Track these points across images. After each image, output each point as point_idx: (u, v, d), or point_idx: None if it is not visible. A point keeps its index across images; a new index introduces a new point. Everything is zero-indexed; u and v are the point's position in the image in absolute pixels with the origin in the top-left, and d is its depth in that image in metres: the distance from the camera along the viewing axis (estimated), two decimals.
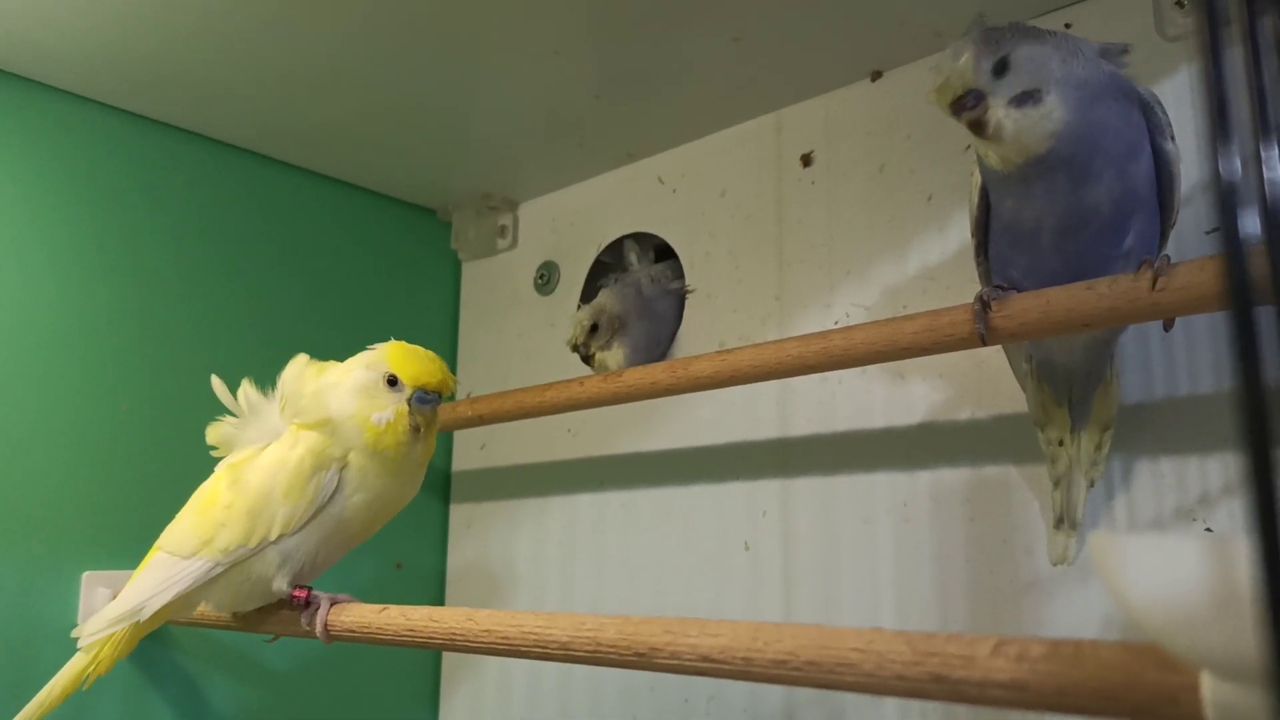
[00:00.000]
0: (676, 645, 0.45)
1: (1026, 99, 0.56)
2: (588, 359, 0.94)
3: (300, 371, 0.70)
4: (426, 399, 0.69)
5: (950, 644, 0.37)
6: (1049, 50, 0.57)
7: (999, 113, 0.56)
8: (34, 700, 0.67)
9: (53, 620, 0.82)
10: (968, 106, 0.57)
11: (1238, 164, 0.21)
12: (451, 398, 0.89)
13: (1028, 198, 0.59)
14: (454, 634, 0.55)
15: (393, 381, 0.68)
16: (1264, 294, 0.24)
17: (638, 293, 0.95)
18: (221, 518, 0.65)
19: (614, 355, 0.93)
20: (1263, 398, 0.26)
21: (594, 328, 0.93)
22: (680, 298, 0.97)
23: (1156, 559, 0.29)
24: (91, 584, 0.84)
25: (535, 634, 0.51)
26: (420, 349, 0.70)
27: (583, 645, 0.48)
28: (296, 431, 0.67)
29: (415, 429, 0.68)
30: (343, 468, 0.67)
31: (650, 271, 0.98)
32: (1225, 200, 0.21)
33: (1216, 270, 0.53)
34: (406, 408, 0.68)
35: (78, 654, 0.68)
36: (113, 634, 0.66)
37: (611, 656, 0.47)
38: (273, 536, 0.65)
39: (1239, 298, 0.21)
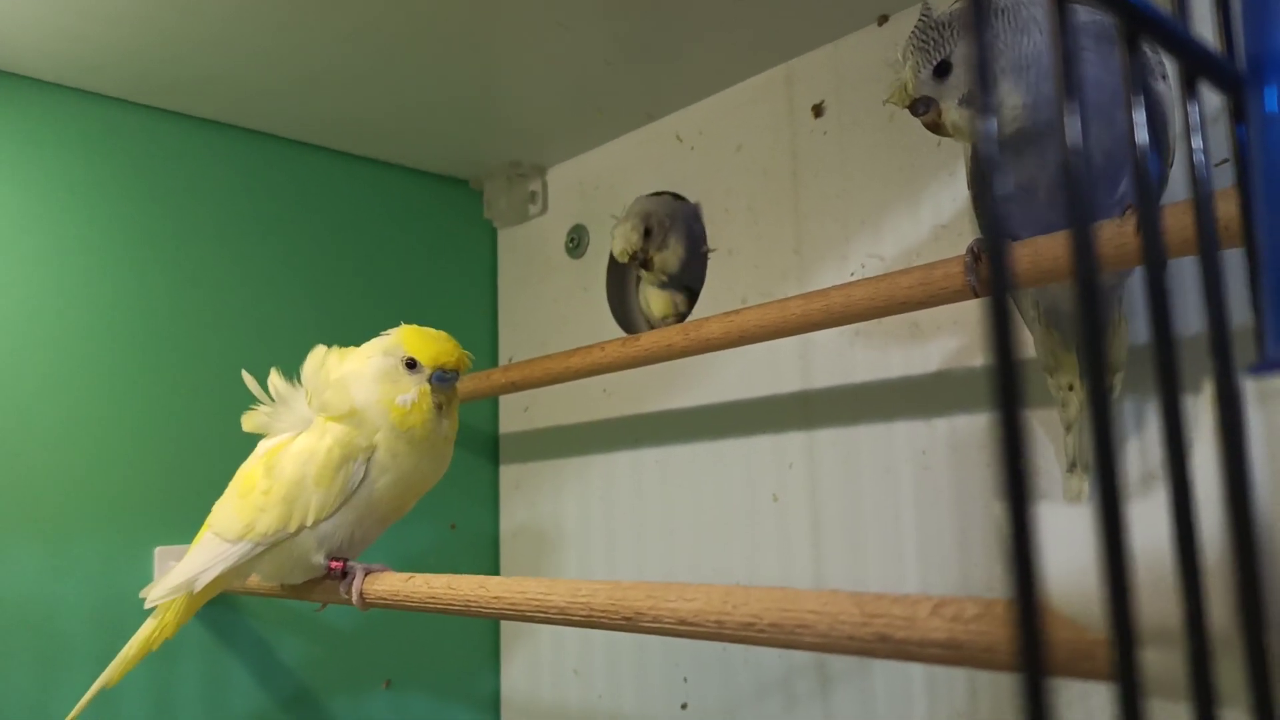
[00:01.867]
0: (658, 609, 0.47)
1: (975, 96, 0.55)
2: (646, 263, 0.96)
3: (320, 363, 0.73)
4: (445, 378, 0.72)
5: (895, 605, 0.39)
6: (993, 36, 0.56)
7: (952, 115, 0.57)
8: (115, 660, 0.74)
9: (131, 591, 0.89)
10: (920, 113, 0.58)
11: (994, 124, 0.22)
12: (465, 373, 0.93)
13: (1019, 161, 0.59)
14: (469, 600, 0.59)
15: (411, 364, 0.71)
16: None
17: (669, 203, 0.99)
18: (260, 503, 0.70)
19: (673, 253, 0.95)
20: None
21: (647, 232, 0.95)
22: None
23: (1050, 531, 0.30)
24: (163, 557, 0.91)
25: (536, 600, 0.54)
26: (434, 330, 0.73)
27: (578, 610, 0.51)
28: (324, 422, 0.71)
29: (438, 406, 0.72)
30: (370, 456, 0.71)
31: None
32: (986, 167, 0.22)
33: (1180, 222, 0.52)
34: (428, 387, 0.71)
35: (146, 621, 0.75)
36: (174, 602, 0.73)
37: (603, 620, 0.50)
38: (309, 523, 0.69)
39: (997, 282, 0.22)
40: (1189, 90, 0.30)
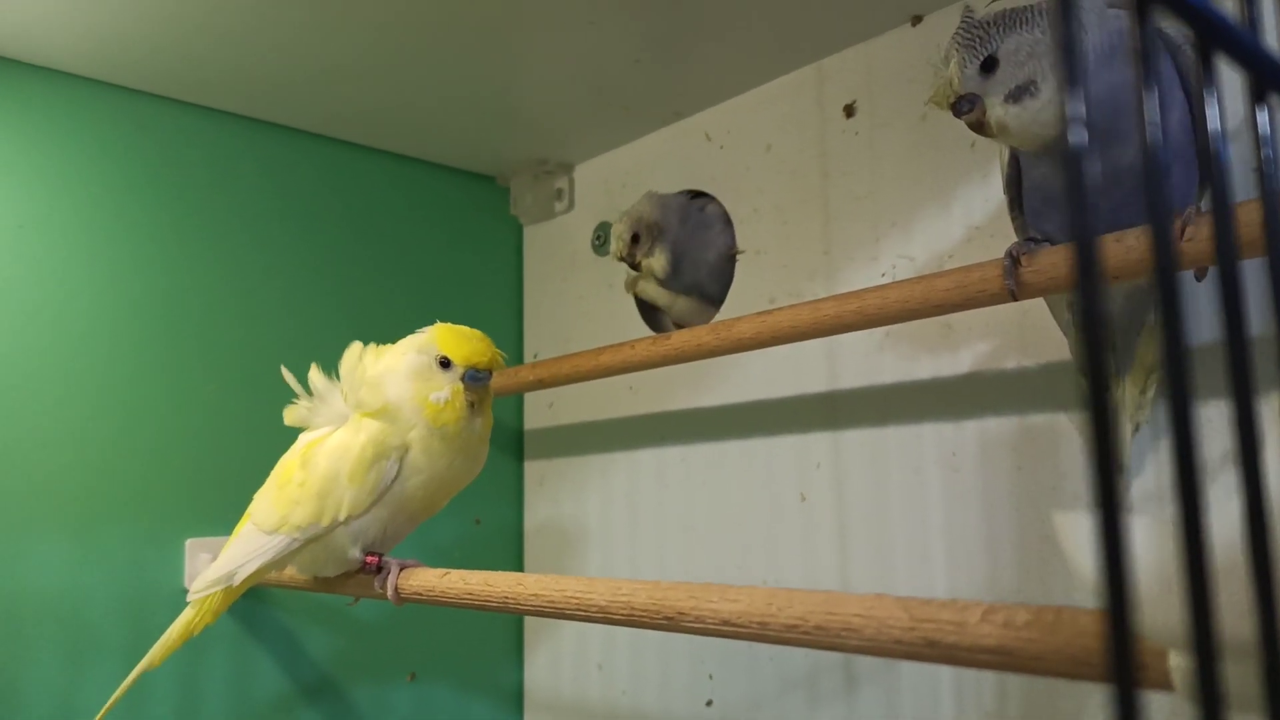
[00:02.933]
0: (700, 609, 0.48)
1: (1023, 92, 0.55)
2: (635, 266, 0.98)
3: (356, 360, 0.74)
4: (478, 377, 0.72)
5: (944, 610, 0.39)
6: (1039, 35, 0.56)
7: (997, 111, 0.56)
8: (155, 646, 0.75)
9: (162, 582, 0.91)
10: (964, 111, 0.57)
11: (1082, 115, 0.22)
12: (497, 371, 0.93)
13: (1059, 166, 0.59)
14: (506, 597, 0.60)
15: (445, 363, 0.72)
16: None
17: (679, 203, 0.99)
18: (296, 496, 0.70)
19: (657, 260, 0.96)
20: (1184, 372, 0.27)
21: (635, 238, 0.96)
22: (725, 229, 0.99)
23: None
24: (194, 550, 0.92)
25: (576, 598, 0.54)
26: (467, 329, 0.74)
27: (619, 609, 0.52)
28: (359, 419, 0.72)
29: (471, 405, 0.72)
30: (403, 454, 0.71)
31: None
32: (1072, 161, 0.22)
33: (1249, 219, 0.52)
34: (461, 386, 0.72)
35: (186, 608, 0.75)
36: (212, 593, 0.73)
37: (644, 619, 0.51)
38: (341, 518, 0.70)
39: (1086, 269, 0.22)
40: (1259, 101, 0.30)
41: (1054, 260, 0.59)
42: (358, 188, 1.10)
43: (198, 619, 0.75)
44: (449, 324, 0.74)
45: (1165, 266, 0.23)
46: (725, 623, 0.46)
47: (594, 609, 0.54)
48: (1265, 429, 0.32)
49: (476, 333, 0.74)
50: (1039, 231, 0.63)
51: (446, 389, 0.71)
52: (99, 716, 0.76)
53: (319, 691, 0.99)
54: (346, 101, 1.00)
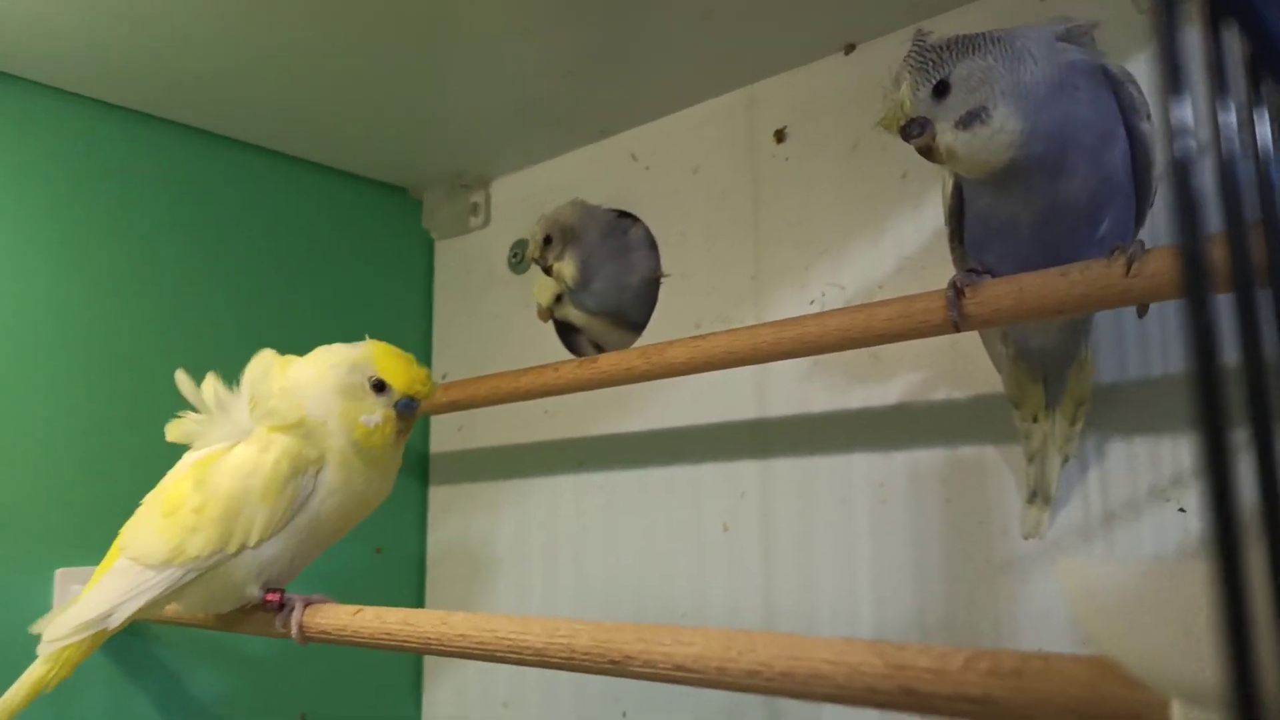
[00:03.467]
0: (650, 654, 0.44)
1: (973, 118, 0.55)
2: (547, 270, 0.95)
3: (266, 369, 0.68)
4: (412, 406, 0.68)
5: (922, 657, 0.37)
6: (991, 62, 0.55)
7: (947, 137, 0.56)
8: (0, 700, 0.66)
9: (28, 618, 0.81)
10: (914, 135, 0.57)
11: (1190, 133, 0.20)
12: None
13: (1003, 196, 0.58)
14: (429, 638, 0.55)
15: (380, 386, 0.67)
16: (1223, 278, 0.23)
17: (605, 218, 0.97)
18: (192, 522, 0.64)
19: (567, 266, 0.94)
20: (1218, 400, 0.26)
21: (547, 239, 0.94)
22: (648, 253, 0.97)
23: (1122, 586, 0.28)
24: (65, 581, 0.84)
25: (510, 640, 0.51)
26: (405, 354, 0.70)
27: (557, 652, 0.48)
28: (266, 433, 0.66)
29: (399, 433, 0.68)
30: (318, 470, 0.66)
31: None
32: (1178, 174, 0.20)
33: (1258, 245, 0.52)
34: (393, 413, 0.68)
35: (37, 661, 0.66)
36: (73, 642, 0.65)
37: (586, 663, 0.47)
38: (251, 542, 0.64)
39: (1194, 283, 0.20)
40: None
41: (998, 292, 0.59)
42: (261, 193, 1.04)
43: (52, 672, 0.65)
44: (385, 344, 0.70)
45: (1243, 281, 0.22)
46: (679, 667, 0.43)
47: (529, 651, 0.50)
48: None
49: (413, 357, 0.70)
50: (979, 263, 0.63)
51: (378, 413, 0.67)
52: None
53: None
54: (254, 102, 0.94)
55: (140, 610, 0.64)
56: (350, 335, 1.07)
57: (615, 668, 0.46)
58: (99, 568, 0.69)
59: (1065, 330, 0.65)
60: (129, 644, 0.87)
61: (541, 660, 0.49)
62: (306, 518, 0.66)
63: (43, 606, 0.82)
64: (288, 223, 1.06)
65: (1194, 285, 0.19)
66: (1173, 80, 0.20)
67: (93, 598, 0.65)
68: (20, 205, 0.86)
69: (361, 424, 0.66)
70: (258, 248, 1.03)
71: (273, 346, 0.73)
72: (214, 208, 1.00)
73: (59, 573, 0.84)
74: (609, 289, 0.96)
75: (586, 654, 0.47)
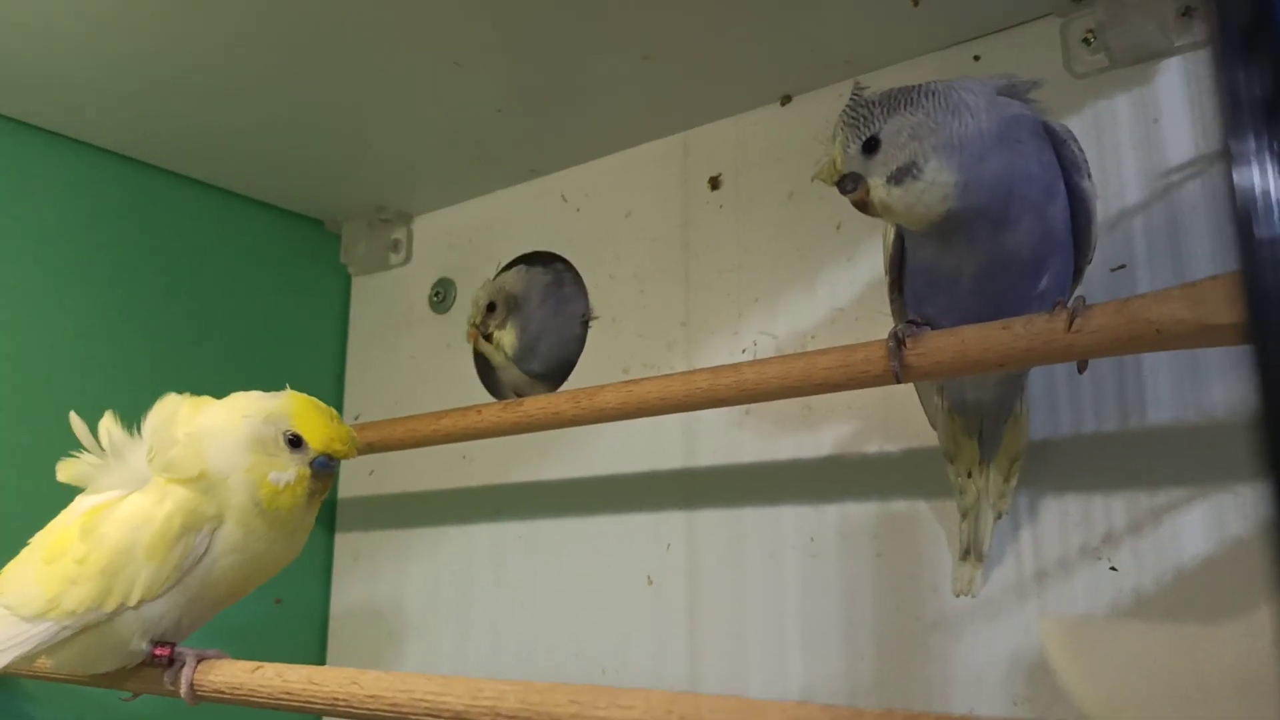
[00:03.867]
0: (585, 718, 0.41)
1: (904, 174, 0.55)
2: (487, 337, 0.93)
3: (170, 416, 0.63)
4: (330, 466, 0.64)
5: None
6: (922, 117, 0.55)
7: (879, 192, 0.56)
8: None
9: None
10: (847, 190, 0.57)
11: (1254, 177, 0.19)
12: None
13: (946, 247, 0.58)
14: (336, 698, 0.51)
15: (296, 442, 0.62)
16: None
17: (544, 279, 0.95)
18: (72, 574, 0.58)
19: (507, 335, 0.92)
20: None
21: (490, 306, 0.93)
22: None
23: (1118, 649, 0.26)
24: None
25: (428, 701, 0.46)
26: (324, 407, 0.65)
27: (479, 715, 0.44)
28: (164, 484, 0.61)
29: (313, 494, 0.63)
30: (215, 529, 0.61)
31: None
32: (1241, 222, 0.19)
33: (1131, 314, 0.52)
34: (308, 471, 0.63)
35: None
36: None
37: None
38: (132, 602, 0.58)
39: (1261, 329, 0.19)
40: None
41: (939, 344, 0.58)
42: (173, 220, 0.98)
43: None
44: (305, 396, 0.65)
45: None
46: None
47: (448, 714, 0.46)
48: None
49: (334, 413, 0.65)
50: (919, 315, 0.62)
51: (291, 471, 0.62)
52: None
53: None
54: (167, 124, 0.89)
55: (9, 665, 0.58)
56: (262, 369, 1.02)
57: None
58: None
59: (1002, 384, 0.64)
60: None
61: None
62: (197, 578, 0.60)
63: None
64: (200, 252, 1.00)
65: (1260, 326, 0.17)
66: (1232, 116, 0.18)
67: None
68: None
69: (270, 482, 0.61)
70: (168, 276, 0.97)
71: (180, 379, 0.68)
72: (121, 233, 0.94)
73: None
74: (552, 350, 0.94)
75: (513, 718, 0.43)
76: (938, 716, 0.34)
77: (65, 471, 0.63)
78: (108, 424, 0.63)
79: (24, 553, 0.63)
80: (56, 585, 0.58)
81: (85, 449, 0.63)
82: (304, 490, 0.62)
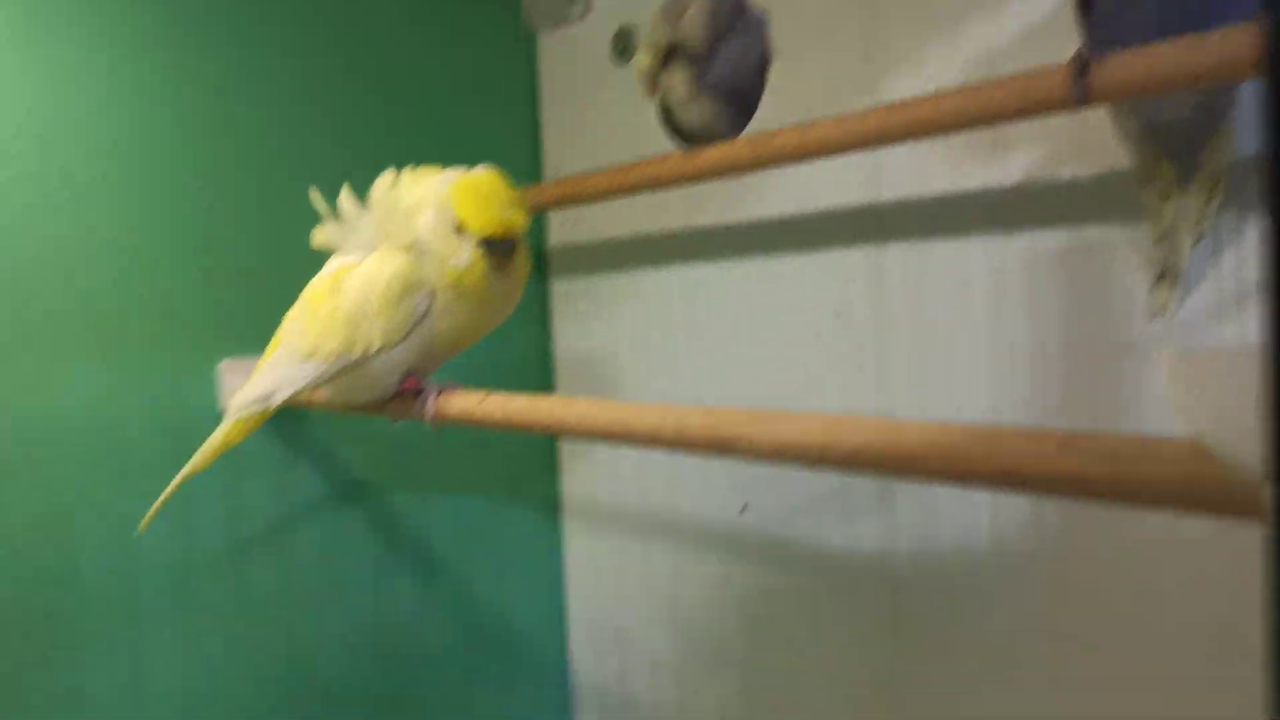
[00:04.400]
0: (754, 436, 0.47)
1: None
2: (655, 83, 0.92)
3: (388, 188, 0.70)
4: (498, 246, 0.67)
5: (1018, 439, 0.38)
6: None
7: None
8: (190, 461, 0.78)
9: (196, 404, 0.91)
10: None
11: None
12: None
13: None
14: (549, 422, 0.59)
15: (461, 227, 0.67)
16: None
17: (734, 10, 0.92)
18: (325, 325, 0.69)
19: (680, 80, 0.89)
20: None
21: (669, 50, 0.87)
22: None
23: (1219, 372, 0.28)
24: (228, 371, 0.92)
25: (624, 423, 0.54)
26: (490, 190, 0.67)
27: (668, 434, 0.51)
28: (389, 251, 0.69)
29: (496, 269, 0.68)
30: (432, 294, 0.68)
31: None
32: None
33: None
34: (480, 252, 0.67)
35: (220, 427, 0.77)
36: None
37: (695, 444, 0.50)
38: (373, 350, 0.68)
39: None
40: None
41: (1127, 63, 0.55)
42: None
43: (236, 430, 0.77)
44: (470, 179, 0.68)
45: None
46: (780, 449, 0.46)
47: (642, 433, 0.53)
48: None
49: (500, 195, 0.67)
50: (1107, 31, 0.58)
51: (465, 255, 0.67)
52: (149, 514, 0.78)
53: (357, 506, 1.02)
54: None
55: (294, 395, 0.71)
56: (460, 139, 1.09)
57: (722, 448, 0.49)
58: (266, 351, 0.77)
59: (1203, 103, 0.60)
60: (290, 425, 0.97)
61: (653, 440, 0.52)
62: (423, 333, 0.69)
63: (210, 393, 0.92)
64: (385, 26, 1.06)
65: None
66: None
67: (259, 378, 0.74)
68: (156, 24, 0.90)
69: (451, 266, 0.67)
70: (360, 54, 1.04)
71: (383, 156, 0.74)
72: (308, 14, 1.01)
73: (222, 365, 0.92)
74: (733, 91, 0.91)
75: (695, 435, 0.50)
76: (1070, 433, 0.37)
77: (317, 238, 0.74)
78: (344, 196, 0.72)
79: (298, 303, 0.75)
80: (318, 333, 0.70)
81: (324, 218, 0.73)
82: (481, 270, 0.67)
